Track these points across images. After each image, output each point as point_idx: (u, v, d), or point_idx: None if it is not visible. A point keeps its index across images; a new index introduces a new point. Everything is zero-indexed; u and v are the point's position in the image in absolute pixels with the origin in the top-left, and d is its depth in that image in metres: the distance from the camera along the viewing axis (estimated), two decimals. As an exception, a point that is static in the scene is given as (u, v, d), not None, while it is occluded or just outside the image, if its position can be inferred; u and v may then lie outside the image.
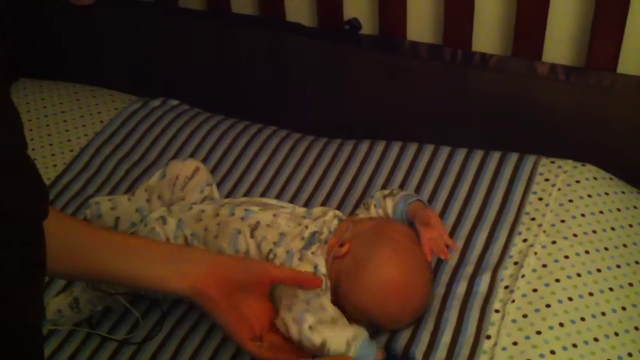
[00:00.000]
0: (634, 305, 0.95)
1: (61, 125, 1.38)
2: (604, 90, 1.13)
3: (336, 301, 0.93)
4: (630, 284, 0.97)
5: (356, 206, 1.12)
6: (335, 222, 1.01)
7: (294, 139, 1.29)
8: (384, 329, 0.94)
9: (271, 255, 0.96)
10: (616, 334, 0.91)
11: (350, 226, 0.98)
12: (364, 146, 1.24)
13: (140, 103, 1.41)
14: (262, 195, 1.19)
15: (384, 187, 1.16)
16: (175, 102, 1.43)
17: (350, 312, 0.92)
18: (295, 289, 0.91)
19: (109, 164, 1.29)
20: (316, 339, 0.86)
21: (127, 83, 1.49)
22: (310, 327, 0.87)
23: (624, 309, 0.94)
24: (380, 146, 1.23)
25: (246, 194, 1.20)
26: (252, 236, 0.98)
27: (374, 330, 0.94)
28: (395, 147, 1.22)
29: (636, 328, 0.92)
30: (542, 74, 1.15)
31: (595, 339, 0.90)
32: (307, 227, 0.99)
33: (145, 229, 1.02)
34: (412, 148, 1.21)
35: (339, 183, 1.18)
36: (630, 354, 0.89)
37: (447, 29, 1.21)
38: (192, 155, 1.28)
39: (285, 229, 0.99)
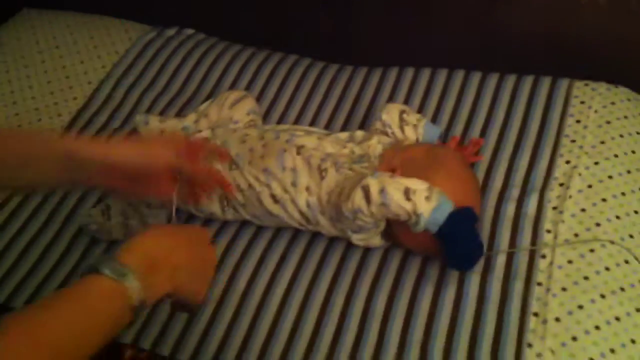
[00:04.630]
0: (678, 222, 0.98)
1: (75, 56, 1.34)
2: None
3: (387, 229, 0.94)
4: (672, 201, 1.00)
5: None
6: (380, 147, 1.01)
7: (319, 67, 1.27)
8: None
9: (323, 167, 0.96)
10: (663, 250, 0.94)
11: (397, 153, 0.98)
12: (393, 73, 1.23)
13: (155, 32, 1.37)
14: (295, 122, 1.18)
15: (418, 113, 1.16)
16: (190, 31, 1.39)
17: (405, 240, 0.94)
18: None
19: (133, 95, 1.25)
20: (400, 183, 0.87)
21: (131, 10, 1.44)
22: (391, 175, 0.89)
23: (668, 225, 0.97)
24: (409, 72, 1.22)
25: (279, 122, 1.18)
26: (298, 153, 0.98)
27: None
28: (426, 73, 1.21)
29: (680, 243, 0.95)
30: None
31: (645, 255, 0.93)
32: (352, 150, 1.00)
33: None
34: (443, 74, 1.21)
35: (372, 109, 1.18)
36: (677, 268, 0.92)
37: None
38: (217, 84, 1.25)
39: (331, 151, 0.99)
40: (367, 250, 0.98)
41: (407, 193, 0.86)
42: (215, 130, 1.08)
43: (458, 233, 0.86)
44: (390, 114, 1.05)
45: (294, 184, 0.96)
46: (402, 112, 1.05)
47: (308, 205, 0.96)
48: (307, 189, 0.96)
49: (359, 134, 1.04)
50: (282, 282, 0.95)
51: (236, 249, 1.00)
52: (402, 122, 1.04)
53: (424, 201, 0.85)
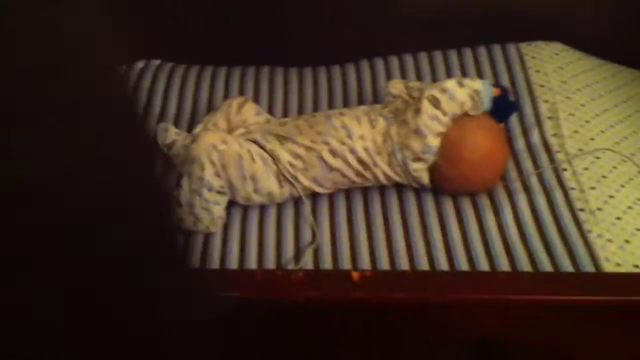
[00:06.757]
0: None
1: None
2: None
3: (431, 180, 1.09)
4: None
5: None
6: (404, 106, 1.15)
7: (294, 73, 1.39)
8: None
9: (372, 118, 1.10)
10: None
11: None
12: (365, 65, 1.39)
13: (124, 65, 1.41)
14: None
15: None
16: (157, 61, 1.44)
17: (447, 187, 1.09)
18: None
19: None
20: (449, 81, 1.07)
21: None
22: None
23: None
24: (368, 64, 1.39)
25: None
26: (342, 114, 1.12)
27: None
28: (393, 60, 1.39)
29: None
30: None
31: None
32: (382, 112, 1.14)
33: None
34: (409, 59, 1.39)
35: (362, 97, 1.32)
36: None
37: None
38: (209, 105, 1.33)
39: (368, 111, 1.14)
40: (419, 195, 1.11)
41: (460, 83, 1.06)
42: (249, 127, 1.16)
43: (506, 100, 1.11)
44: (396, 87, 1.20)
45: (348, 136, 1.08)
46: (404, 83, 1.21)
47: (366, 149, 1.08)
48: (362, 137, 1.09)
49: (377, 105, 1.18)
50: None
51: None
52: (409, 90, 1.20)
53: (473, 82, 1.07)
